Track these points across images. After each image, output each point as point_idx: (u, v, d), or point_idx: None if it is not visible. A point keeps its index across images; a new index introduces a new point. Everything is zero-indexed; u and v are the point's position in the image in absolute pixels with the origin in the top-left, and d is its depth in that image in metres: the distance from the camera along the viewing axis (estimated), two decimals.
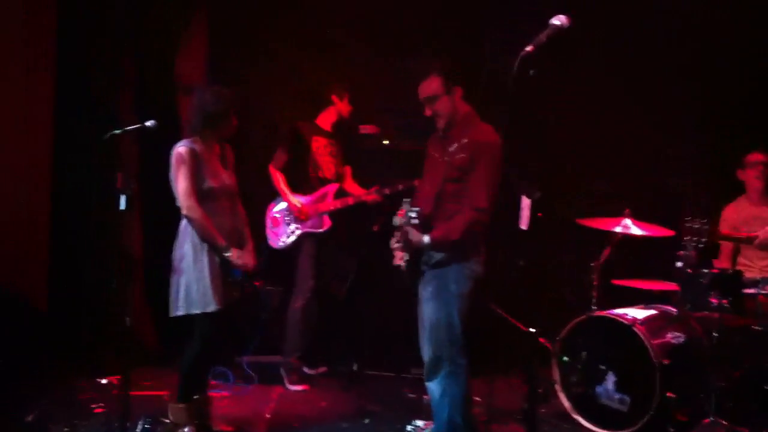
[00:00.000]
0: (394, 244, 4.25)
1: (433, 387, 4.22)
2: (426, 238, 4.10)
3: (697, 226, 3.93)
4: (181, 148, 4.45)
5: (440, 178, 4.23)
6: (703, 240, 3.96)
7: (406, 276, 4.30)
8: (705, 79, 6.31)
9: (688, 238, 4.01)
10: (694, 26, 6.15)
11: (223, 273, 4.47)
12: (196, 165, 4.43)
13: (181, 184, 4.41)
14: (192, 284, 4.41)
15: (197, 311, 4.40)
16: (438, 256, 4.20)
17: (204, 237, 4.43)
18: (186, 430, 4.47)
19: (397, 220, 4.20)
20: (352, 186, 6.14)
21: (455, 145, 4.18)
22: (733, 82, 6.18)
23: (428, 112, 4.26)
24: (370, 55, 6.85)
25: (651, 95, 6.49)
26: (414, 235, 4.11)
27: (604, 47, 6.41)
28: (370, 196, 5.91)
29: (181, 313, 4.43)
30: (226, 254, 4.44)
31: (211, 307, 4.40)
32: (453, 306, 4.13)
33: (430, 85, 4.22)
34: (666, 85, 6.46)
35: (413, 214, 4.09)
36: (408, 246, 4.17)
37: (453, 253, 4.16)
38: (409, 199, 4.21)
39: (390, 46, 6.72)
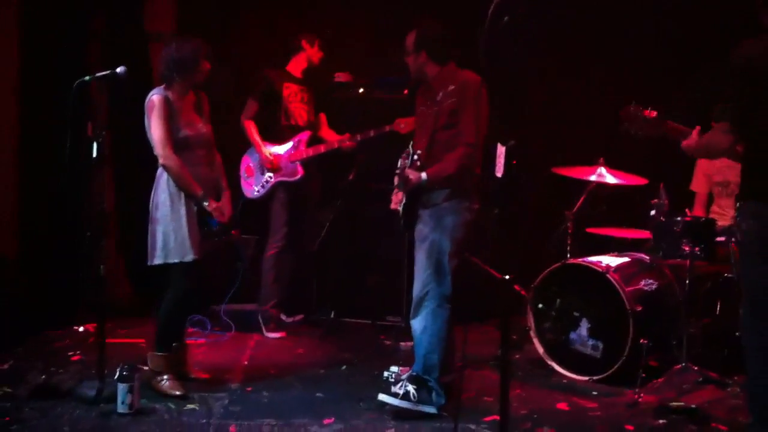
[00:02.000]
0: (398, 187, 4.43)
1: (416, 324, 4.32)
2: (423, 175, 4.25)
3: (642, 115, 3.87)
4: (154, 97, 4.42)
5: (431, 129, 4.35)
6: (640, 133, 3.91)
7: (402, 219, 4.44)
8: (681, 26, 6.29)
9: (625, 126, 3.95)
10: None
11: (200, 223, 4.46)
12: (170, 114, 4.40)
13: (156, 133, 4.38)
14: (170, 233, 4.40)
15: (175, 260, 4.40)
16: (435, 197, 4.31)
17: (181, 186, 4.41)
18: (165, 377, 4.48)
19: (401, 162, 4.42)
20: (327, 133, 6.10)
21: (441, 94, 4.33)
22: (707, 27, 6.17)
23: (406, 60, 4.49)
24: (346, 2, 6.79)
25: (628, 44, 6.48)
26: (412, 173, 4.26)
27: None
28: (345, 142, 5.87)
29: (159, 262, 4.43)
30: (204, 203, 4.43)
31: (189, 257, 4.40)
32: (446, 248, 4.26)
33: (408, 39, 4.45)
34: (644, 33, 6.44)
35: (416, 156, 4.29)
36: (406, 185, 4.30)
37: (450, 197, 4.28)
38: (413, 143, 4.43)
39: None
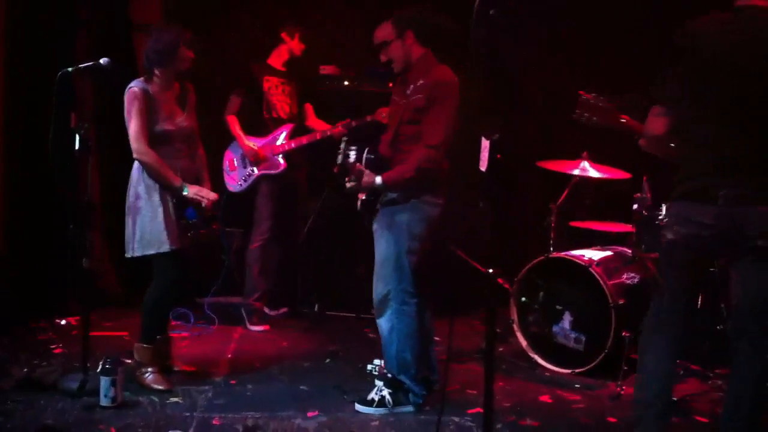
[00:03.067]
0: (348, 184, 4.26)
1: (383, 324, 4.27)
2: (378, 179, 4.13)
3: (596, 103, 3.67)
4: (133, 88, 4.38)
5: (396, 123, 4.26)
6: (594, 119, 3.71)
7: (363, 215, 4.35)
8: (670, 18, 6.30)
9: (579, 112, 3.73)
10: None
11: (178, 215, 4.45)
12: (148, 106, 4.37)
13: (132, 126, 4.36)
14: (146, 225, 4.39)
15: (152, 252, 4.39)
16: (392, 194, 4.22)
17: (157, 179, 4.39)
18: (150, 370, 4.48)
19: (340, 158, 4.27)
20: (315, 122, 6.08)
21: (412, 87, 4.20)
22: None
23: (383, 58, 4.28)
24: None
25: (615, 35, 6.49)
26: (366, 175, 4.14)
27: None
28: (336, 129, 5.84)
29: (137, 254, 4.42)
30: (184, 193, 4.41)
31: (165, 248, 4.38)
32: (403, 245, 4.17)
33: (382, 31, 4.26)
34: (630, 25, 6.45)
35: (366, 155, 4.18)
36: (360, 187, 4.20)
37: (406, 193, 4.18)
38: (346, 139, 4.31)
39: None
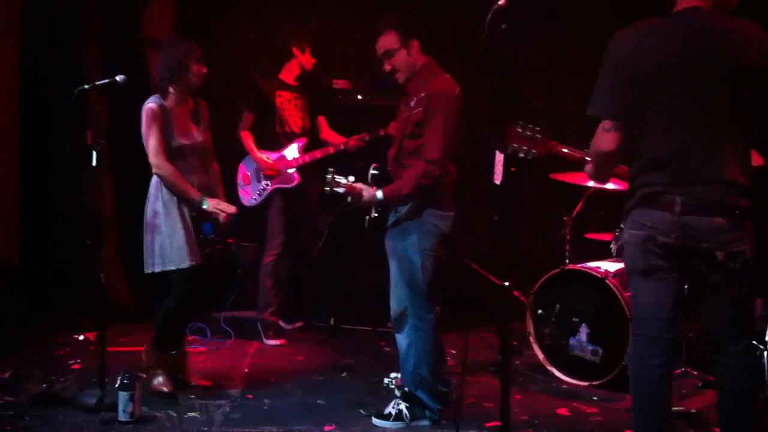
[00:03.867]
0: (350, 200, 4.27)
1: (401, 339, 4.28)
2: (379, 193, 4.12)
3: (529, 134, 3.47)
4: (150, 104, 4.43)
5: (399, 137, 4.25)
6: (533, 151, 3.52)
7: (372, 232, 4.34)
8: None
9: (516, 146, 3.53)
10: None
11: (196, 229, 4.48)
12: (165, 121, 4.42)
13: (150, 141, 4.40)
14: (166, 240, 4.42)
15: (173, 267, 4.42)
16: (400, 211, 4.21)
17: (176, 193, 4.44)
18: (158, 372, 4.54)
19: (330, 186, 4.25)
20: (330, 135, 6.09)
21: (414, 100, 4.15)
22: None
23: (387, 68, 4.23)
24: (343, 10, 6.82)
25: None
26: (366, 191, 4.14)
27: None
28: (351, 143, 5.86)
29: (157, 269, 4.45)
30: (203, 206, 4.45)
31: (186, 263, 4.42)
32: (415, 261, 4.15)
33: (386, 40, 4.18)
34: None
35: (372, 172, 4.20)
36: (360, 203, 4.19)
37: (413, 208, 4.16)
38: (332, 169, 4.25)
39: (363, 2, 6.70)
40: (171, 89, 4.50)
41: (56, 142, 5.94)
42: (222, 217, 4.50)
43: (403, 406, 4.23)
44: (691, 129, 3.04)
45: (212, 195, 4.61)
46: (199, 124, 4.62)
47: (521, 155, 3.35)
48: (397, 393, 4.31)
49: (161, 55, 4.54)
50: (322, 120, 6.12)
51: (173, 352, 4.66)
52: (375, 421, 4.26)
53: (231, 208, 4.56)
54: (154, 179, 4.49)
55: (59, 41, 6.03)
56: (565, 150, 3.44)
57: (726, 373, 3.20)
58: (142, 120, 4.44)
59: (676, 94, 3.05)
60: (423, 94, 4.09)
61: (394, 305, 4.25)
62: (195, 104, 4.63)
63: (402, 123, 4.25)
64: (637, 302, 3.27)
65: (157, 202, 4.46)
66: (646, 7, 3.24)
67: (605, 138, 3.12)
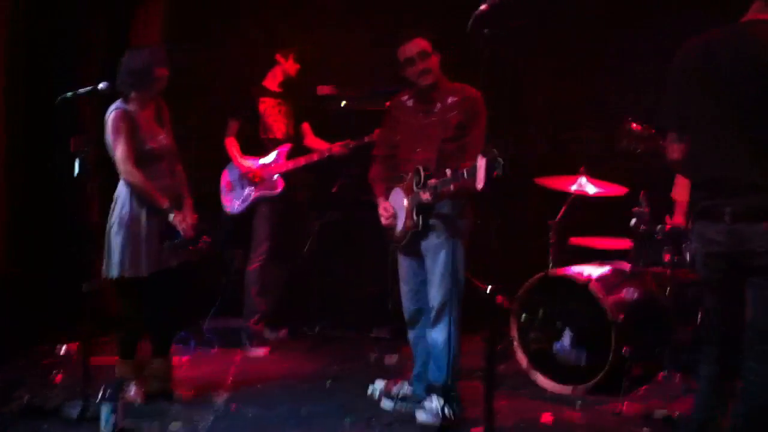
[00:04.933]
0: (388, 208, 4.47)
1: (437, 335, 4.34)
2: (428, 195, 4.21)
3: (638, 130, 3.75)
4: (116, 111, 4.43)
5: (437, 141, 4.32)
6: (638, 148, 3.80)
7: (406, 237, 4.39)
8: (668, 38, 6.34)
9: (625, 142, 3.83)
10: None
11: (163, 237, 4.47)
12: (132, 127, 4.41)
13: (119, 148, 4.40)
14: (127, 247, 4.42)
15: (129, 275, 4.43)
16: (441, 207, 4.32)
17: (146, 200, 4.43)
18: (132, 383, 4.54)
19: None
20: (314, 141, 6.09)
21: (439, 105, 4.33)
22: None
23: (416, 69, 4.32)
24: (331, 17, 6.85)
25: (610, 54, 6.53)
26: (423, 194, 4.22)
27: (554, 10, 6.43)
28: (335, 149, 5.86)
29: (114, 275, 4.45)
30: (170, 216, 4.45)
31: (143, 272, 4.42)
32: (459, 256, 4.30)
33: (419, 43, 4.33)
34: (624, 44, 6.49)
35: (422, 173, 4.25)
36: (419, 206, 4.28)
37: (455, 206, 4.32)
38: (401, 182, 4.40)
39: (353, 11, 6.73)
40: (133, 95, 4.48)
41: (42, 151, 5.91)
42: (182, 232, 4.49)
43: (441, 402, 4.26)
44: (737, 141, 3.13)
45: (179, 197, 4.62)
46: (163, 127, 4.61)
47: (630, 149, 3.57)
48: (386, 403, 4.31)
49: (123, 62, 4.50)
50: (306, 126, 6.12)
51: (159, 360, 4.66)
52: (419, 416, 4.29)
53: (189, 220, 4.55)
54: (120, 184, 4.49)
55: (46, 51, 6.00)
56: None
57: (756, 381, 3.21)
58: (107, 127, 4.42)
59: (728, 104, 3.13)
60: (456, 99, 4.30)
61: (436, 301, 4.32)
62: (157, 106, 4.62)
63: (432, 128, 4.34)
64: (705, 310, 3.41)
65: (124, 208, 4.45)
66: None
67: (671, 148, 3.33)
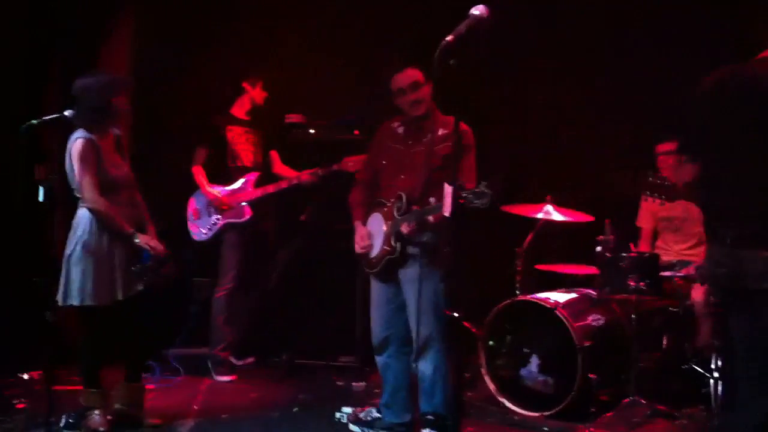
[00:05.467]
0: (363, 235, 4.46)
1: (425, 366, 4.31)
2: (430, 217, 4.22)
3: (659, 182, 3.94)
4: (80, 140, 4.38)
5: (425, 169, 4.32)
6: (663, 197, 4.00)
7: (382, 268, 4.39)
8: (631, 66, 6.46)
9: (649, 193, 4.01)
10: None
11: (130, 262, 4.44)
12: (96, 156, 4.39)
13: (85, 176, 4.36)
14: (89, 276, 4.38)
15: (92, 303, 4.39)
16: (425, 238, 4.31)
17: (111, 227, 4.40)
18: (96, 413, 4.47)
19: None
20: (282, 169, 6.10)
21: (429, 136, 4.33)
22: (659, 69, 6.35)
23: (407, 99, 4.37)
24: (300, 49, 6.89)
25: (574, 83, 6.62)
26: (404, 226, 4.26)
27: (526, 38, 6.53)
28: (304, 177, 5.86)
29: (75, 303, 4.40)
30: (135, 240, 4.42)
31: (107, 300, 4.39)
32: (440, 287, 4.22)
33: (412, 73, 4.38)
34: (591, 73, 6.59)
35: (403, 200, 4.29)
36: (397, 236, 4.30)
37: (439, 237, 4.27)
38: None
39: (321, 41, 6.79)
40: (95, 123, 4.45)
41: (6, 180, 5.86)
42: (152, 248, 4.47)
43: None
44: (742, 169, 3.23)
45: (141, 224, 4.59)
46: (122, 155, 4.60)
47: (654, 200, 3.69)
48: (354, 428, 4.30)
49: (80, 91, 4.45)
50: (274, 154, 6.13)
51: (130, 386, 4.62)
52: None
53: (159, 248, 4.51)
54: (80, 213, 4.45)
55: (14, 82, 5.98)
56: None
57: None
58: (71, 155, 4.39)
59: (730, 138, 3.25)
60: (445, 132, 4.33)
61: (423, 332, 4.26)
62: (115, 135, 4.60)
63: (418, 157, 4.37)
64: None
65: (85, 237, 4.41)
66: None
67: (684, 169, 3.50)
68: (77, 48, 6.30)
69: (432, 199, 4.12)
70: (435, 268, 4.25)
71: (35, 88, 6.08)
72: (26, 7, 6.05)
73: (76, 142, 4.39)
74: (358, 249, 4.51)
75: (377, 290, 4.54)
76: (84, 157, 4.36)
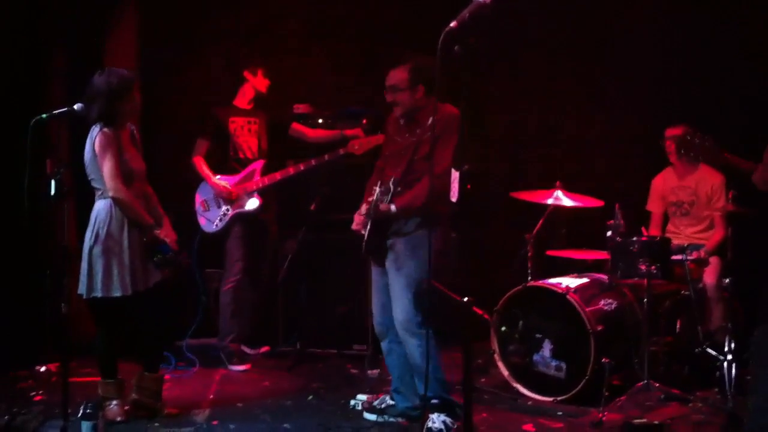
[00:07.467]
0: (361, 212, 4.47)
1: (413, 349, 4.33)
2: (392, 207, 4.29)
3: (698, 141, 4.06)
4: (102, 132, 4.43)
5: (408, 158, 4.36)
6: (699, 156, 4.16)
7: (365, 243, 4.43)
8: (635, 51, 6.45)
9: (684, 151, 4.14)
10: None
11: (149, 254, 4.48)
12: (117, 147, 4.44)
13: (107, 165, 4.40)
14: (113, 267, 4.42)
15: (117, 294, 4.42)
16: (407, 227, 4.34)
17: (133, 218, 4.45)
18: (114, 403, 4.52)
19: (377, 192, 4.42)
20: (316, 132, 6.16)
21: (421, 127, 4.34)
22: (663, 55, 6.33)
23: (389, 98, 4.42)
24: (305, 42, 6.91)
25: (581, 69, 6.62)
26: (383, 205, 4.30)
27: (536, 22, 6.52)
28: (310, 164, 5.87)
29: (99, 295, 4.44)
30: (155, 231, 4.47)
31: (129, 291, 4.42)
32: (421, 276, 4.21)
33: (396, 76, 4.40)
34: (598, 59, 6.59)
35: (391, 188, 4.32)
36: (375, 214, 4.33)
37: (421, 225, 4.30)
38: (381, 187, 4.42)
39: (324, 34, 6.78)
40: (115, 116, 4.48)
41: (17, 175, 5.88)
42: (172, 242, 4.54)
43: (443, 417, 4.26)
44: None
45: (156, 216, 4.64)
46: (137, 148, 4.65)
47: (691, 158, 3.83)
48: (369, 416, 4.29)
49: (95, 90, 4.47)
50: (296, 126, 6.14)
51: (149, 375, 4.65)
52: None
53: (172, 236, 4.59)
54: (102, 204, 4.49)
55: (21, 75, 5.99)
56: (733, 160, 4.07)
57: None
58: (94, 146, 4.43)
59: None
60: (435, 118, 4.24)
61: (401, 315, 4.32)
62: (130, 129, 4.65)
63: (408, 148, 4.38)
64: None
65: (107, 227, 4.45)
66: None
67: (758, 169, 3.82)
68: (82, 42, 6.31)
69: (398, 188, 4.22)
70: (413, 255, 4.28)
71: (40, 83, 6.09)
72: (30, 2, 6.05)
73: (98, 133, 4.43)
74: (353, 226, 4.56)
75: (375, 277, 4.60)
76: (107, 145, 4.41)
